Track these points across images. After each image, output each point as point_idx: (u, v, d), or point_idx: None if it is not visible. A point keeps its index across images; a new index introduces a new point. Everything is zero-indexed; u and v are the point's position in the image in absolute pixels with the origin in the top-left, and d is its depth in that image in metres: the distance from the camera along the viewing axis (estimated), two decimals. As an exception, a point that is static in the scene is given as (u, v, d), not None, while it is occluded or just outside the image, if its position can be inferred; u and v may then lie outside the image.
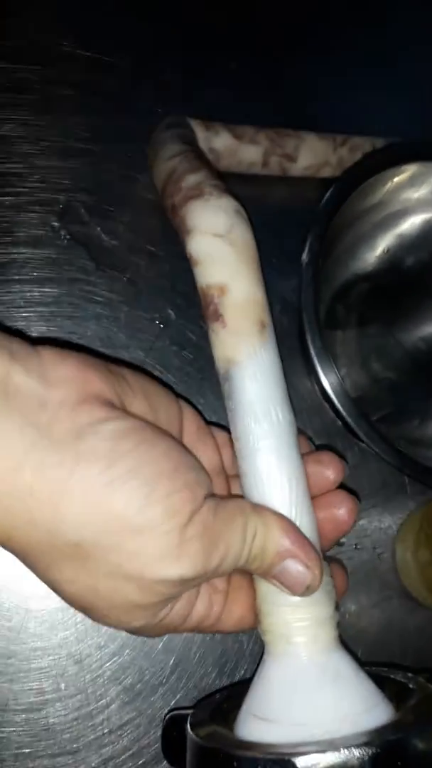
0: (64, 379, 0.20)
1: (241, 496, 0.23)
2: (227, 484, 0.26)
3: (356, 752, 0.18)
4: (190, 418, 0.25)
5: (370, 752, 0.19)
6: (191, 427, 0.25)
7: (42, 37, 0.35)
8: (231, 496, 0.26)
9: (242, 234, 0.24)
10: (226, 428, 0.29)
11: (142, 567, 0.19)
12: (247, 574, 0.24)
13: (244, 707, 0.22)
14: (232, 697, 0.25)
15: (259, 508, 0.22)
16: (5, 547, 0.19)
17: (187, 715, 0.23)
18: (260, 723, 0.21)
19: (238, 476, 0.25)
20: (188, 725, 0.22)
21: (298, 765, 0.18)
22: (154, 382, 0.24)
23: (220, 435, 0.27)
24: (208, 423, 0.27)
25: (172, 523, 0.19)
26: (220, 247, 0.24)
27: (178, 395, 0.26)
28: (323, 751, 0.18)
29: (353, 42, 0.40)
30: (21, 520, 0.18)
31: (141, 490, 0.19)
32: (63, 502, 0.18)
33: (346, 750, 0.18)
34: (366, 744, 0.19)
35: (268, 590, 0.23)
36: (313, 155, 0.35)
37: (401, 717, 0.21)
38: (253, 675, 0.24)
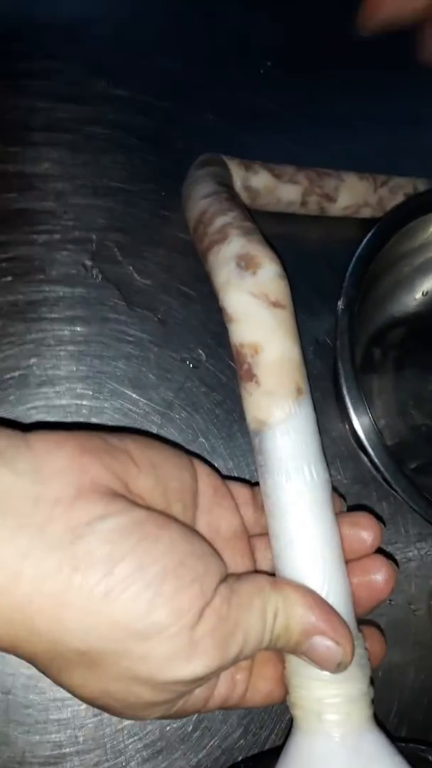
0: (59, 471, 0.19)
1: (263, 570, 0.22)
2: (249, 546, 0.25)
3: None
4: (206, 480, 0.24)
5: None
6: (207, 489, 0.24)
7: (78, 77, 0.35)
8: (254, 570, 0.25)
9: (276, 285, 0.24)
10: (246, 481, 0.28)
11: (153, 671, 0.18)
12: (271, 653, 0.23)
13: (271, 787, 0.21)
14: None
15: (279, 584, 0.21)
16: (14, 654, 0.19)
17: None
18: (287, 808, 0.20)
19: (261, 535, 0.24)
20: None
21: None
22: (164, 447, 0.23)
23: (241, 492, 0.26)
24: (229, 478, 0.26)
25: (179, 624, 0.18)
26: (253, 304, 0.23)
27: (191, 453, 0.25)
28: None
29: (396, 81, 0.40)
30: (24, 631, 0.18)
31: (143, 595, 0.18)
32: (64, 613, 0.17)
33: None
34: None
35: (298, 662, 0.21)
36: (352, 195, 0.34)
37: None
38: (280, 746, 0.22)
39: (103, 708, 0.20)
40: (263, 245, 0.24)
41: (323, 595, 0.21)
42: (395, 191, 0.34)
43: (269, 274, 0.23)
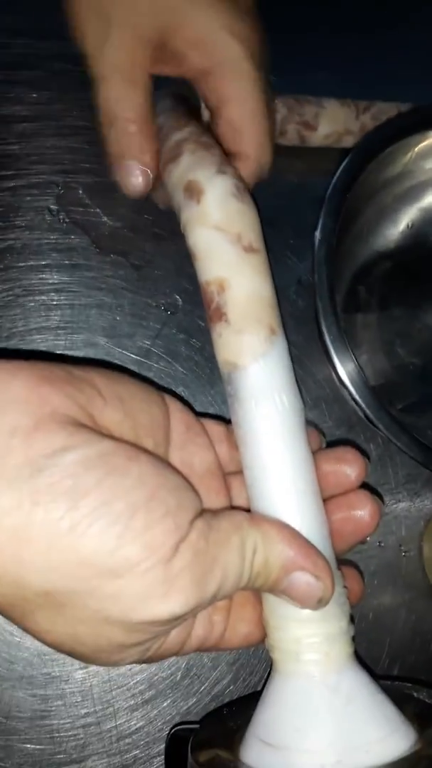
0: (14, 400, 0.17)
1: (239, 507, 0.21)
2: (225, 484, 0.24)
3: (369, 788, 0.17)
4: (178, 416, 0.23)
5: (384, 788, 0.17)
6: (179, 426, 0.23)
7: (37, 9, 0.33)
8: (231, 506, 0.24)
9: (228, 212, 0.22)
10: (222, 418, 0.27)
11: (126, 610, 0.17)
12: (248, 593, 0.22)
13: (251, 729, 0.21)
14: (239, 713, 0.23)
15: (257, 520, 0.20)
16: None
17: (191, 731, 0.22)
18: (266, 749, 0.19)
19: (236, 473, 0.24)
20: (189, 747, 0.20)
21: (303, 802, 0.16)
22: (132, 381, 0.21)
23: (215, 429, 0.25)
24: (204, 415, 0.25)
25: (153, 559, 0.17)
26: (210, 236, 0.22)
27: (164, 389, 0.24)
28: (332, 786, 0.17)
29: (378, 9, 0.37)
30: None
31: (111, 530, 0.17)
32: (25, 551, 0.16)
33: (357, 785, 0.17)
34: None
35: (276, 602, 0.21)
36: (334, 123, 0.32)
37: (422, 747, 0.19)
38: (261, 690, 0.22)
39: (71, 653, 0.19)
40: (211, 162, 0.22)
41: (297, 526, 0.20)
42: (378, 117, 0.32)
43: (215, 201, 0.21)
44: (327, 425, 0.32)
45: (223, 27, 0.24)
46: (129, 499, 0.17)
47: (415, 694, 0.22)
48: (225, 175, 0.22)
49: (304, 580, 0.20)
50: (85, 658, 0.19)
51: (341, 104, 0.32)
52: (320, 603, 0.20)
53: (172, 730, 0.25)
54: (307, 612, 0.20)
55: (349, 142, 0.33)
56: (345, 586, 0.22)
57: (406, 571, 0.32)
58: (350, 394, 0.28)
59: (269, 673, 0.22)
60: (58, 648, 0.19)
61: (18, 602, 0.17)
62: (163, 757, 0.28)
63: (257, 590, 0.21)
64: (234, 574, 0.19)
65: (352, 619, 0.21)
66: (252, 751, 0.20)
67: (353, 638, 0.21)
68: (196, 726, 0.23)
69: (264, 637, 0.22)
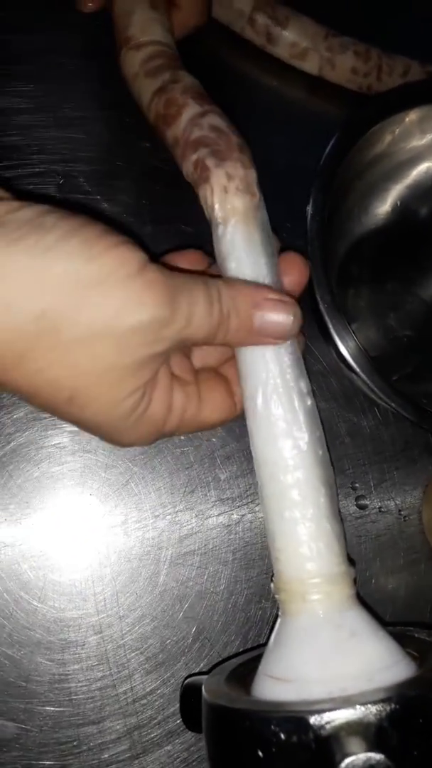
0: None
1: None
2: None
3: (373, 709, 0.18)
4: None
5: (388, 708, 0.18)
6: None
7: (31, 5, 0.34)
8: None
9: None
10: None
11: (110, 318, 0.19)
12: (212, 372, 0.25)
13: (260, 669, 0.22)
14: (248, 661, 0.24)
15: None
16: None
17: (203, 681, 0.23)
18: (275, 683, 0.20)
19: None
20: (203, 689, 0.21)
21: (311, 722, 0.17)
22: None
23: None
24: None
25: (126, 268, 0.19)
26: None
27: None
28: (338, 708, 0.18)
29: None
30: None
31: (83, 246, 0.19)
32: (9, 279, 0.18)
33: (362, 706, 0.18)
34: (384, 700, 0.18)
35: (283, 543, 0.22)
36: (302, 33, 0.34)
37: (423, 673, 0.20)
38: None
39: (71, 400, 0.20)
40: None
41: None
42: (346, 47, 0.34)
43: None
44: (325, 397, 0.33)
45: None
46: (90, 230, 0.19)
47: (415, 635, 0.23)
48: None
49: (274, 311, 0.22)
50: (84, 401, 0.20)
51: (314, 22, 0.35)
52: (291, 331, 0.22)
53: (185, 681, 0.26)
54: (311, 557, 0.21)
55: (313, 62, 0.35)
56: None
57: (407, 534, 0.33)
58: (347, 363, 0.29)
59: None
60: (58, 391, 0.20)
61: (11, 337, 0.18)
62: (178, 716, 0.29)
63: (230, 340, 0.22)
64: (201, 311, 0.21)
65: (352, 563, 0.22)
66: (261, 686, 0.21)
67: (354, 581, 0.22)
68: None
69: (234, 405, 0.24)
